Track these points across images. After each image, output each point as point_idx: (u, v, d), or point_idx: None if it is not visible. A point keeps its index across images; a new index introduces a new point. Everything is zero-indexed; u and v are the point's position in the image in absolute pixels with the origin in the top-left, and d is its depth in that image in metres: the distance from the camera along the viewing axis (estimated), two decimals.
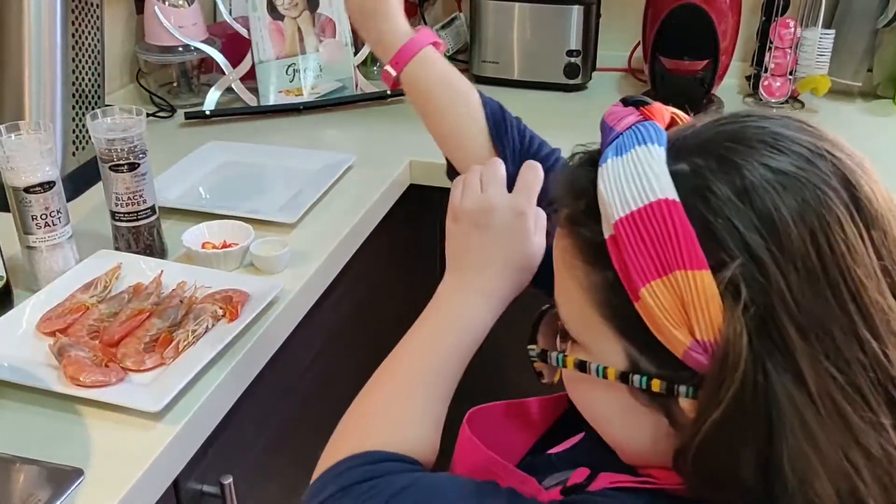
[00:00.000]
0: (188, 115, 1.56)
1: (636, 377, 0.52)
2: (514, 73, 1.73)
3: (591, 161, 0.55)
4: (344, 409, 0.70)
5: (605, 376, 0.54)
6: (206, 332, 0.93)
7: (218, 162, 1.38)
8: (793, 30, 1.63)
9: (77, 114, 1.31)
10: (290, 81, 1.61)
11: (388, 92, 1.64)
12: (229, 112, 1.58)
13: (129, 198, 1.05)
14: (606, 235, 0.51)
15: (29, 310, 0.97)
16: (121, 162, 1.03)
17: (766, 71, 1.68)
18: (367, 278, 1.34)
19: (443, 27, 1.86)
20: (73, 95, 1.30)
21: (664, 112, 0.57)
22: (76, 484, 0.75)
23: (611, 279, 0.51)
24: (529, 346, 0.62)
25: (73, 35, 1.28)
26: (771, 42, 1.65)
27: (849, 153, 0.52)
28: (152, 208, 1.08)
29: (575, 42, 1.68)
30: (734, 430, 0.48)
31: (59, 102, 1.27)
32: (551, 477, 0.62)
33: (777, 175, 0.49)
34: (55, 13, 1.24)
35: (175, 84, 1.68)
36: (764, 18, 1.69)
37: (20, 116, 1.25)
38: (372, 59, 1.76)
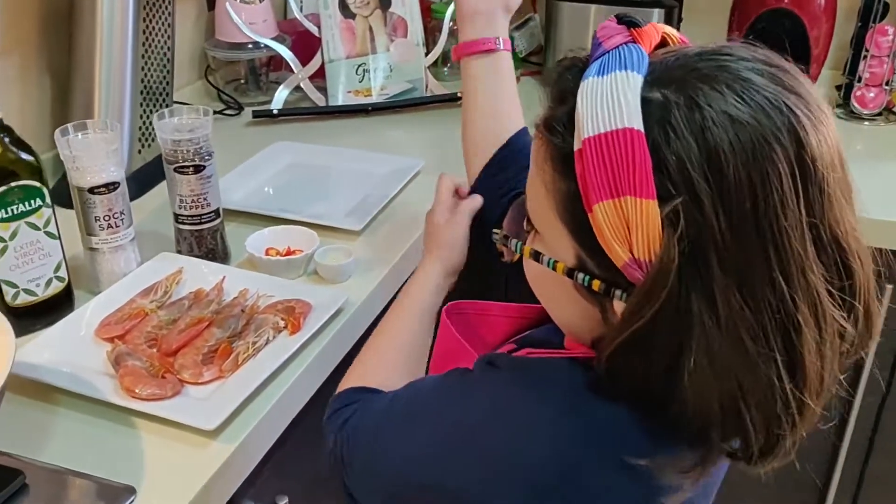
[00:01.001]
0: (255, 114, 1.53)
1: (580, 275, 0.59)
2: None
3: (580, 69, 0.58)
4: None
5: (554, 269, 0.61)
6: (266, 344, 0.90)
7: (284, 163, 1.35)
8: (891, 37, 1.53)
9: (145, 111, 1.30)
10: (360, 81, 1.57)
11: (459, 94, 1.59)
12: (297, 112, 1.55)
13: (193, 200, 1.02)
14: (576, 148, 0.55)
15: (89, 314, 0.94)
16: (186, 164, 1.01)
17: (859, 80, 1.58)
18: None
19: (517, 28, 1.81)
20: (142, 93, 1.28)
21: (655, 34, 0.59)
22: (127, 503, 0.72)
23: (572, 189, 0.56)
24: (494, 230, 0.70)
25: (144, 32, 1.27)
26: (866, 50, 1.56)
27: (811, 110, 0.54)
28: (216, 211, 1.05)
29: None
30: (649, 339, 0.55)
31: (128, 99, 1.26)
32: None
33: (734, 124, 0.52)
34: (128, 11, 1.22)
35: (243, 81, 1.66)
36: (860, 24, 1.59)
37: (89, 113, 1.24)
38: (442, 60, 1.71)
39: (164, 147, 1.01)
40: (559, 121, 0.58)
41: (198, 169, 1.01)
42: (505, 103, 0.98)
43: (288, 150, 1.38)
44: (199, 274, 1.02)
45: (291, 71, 1.60)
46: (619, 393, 0.59)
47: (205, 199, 1.03)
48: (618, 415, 0.59)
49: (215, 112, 1.55)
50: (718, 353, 0.53)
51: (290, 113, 1.55)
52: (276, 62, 1.67)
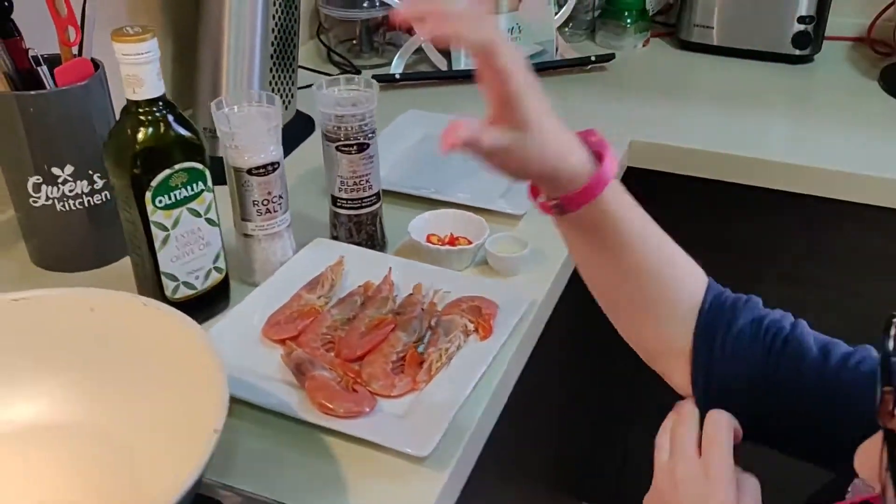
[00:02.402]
0: (376, 78, 1.41)
1: None
2: (728, 41, 1.53)
3: None
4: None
5: None
6: (457, 350, 0.80)
7: (419, 135, 1.24)
8: None
9: (274, 77, 1.19)
10: None
11: (593, 58, 1.47)
12: (419, 76, 1.44)
13: (354, 182, 0.92)
14: None
15: (251, 310, 0.85)
16: (349, 141, 0.90)
17: None
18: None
19: None
20: (271, 56, 1.17)
21: None
22: None
23: None
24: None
25: None
26: None
27: None
28: (378, 195, 0.95)
29: (807, 7, 1.46)
30: None
31: (258, 65, 1.15)
32: None
33: None
34: None
35: (355, 42, 1.54)
36: None
37: (217, 81, 1.13)
38: (567, 20, 1.58)
39: (325, 123, 0.90)
40: None
41: (361, 147, 0.90)
42: (661, 234, 0.67)
43: (420, 120, 1.27)
44: (361, 264, 0.92)
45: (408, 32, 1.48)
46: None
47: (367, 180, 0.92)
48: None
49: (330, 76, 1.44)
50: None
51: (412, 77, 1.43)
52: (391, 21, 1.55)
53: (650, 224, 0.65)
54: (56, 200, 0.91)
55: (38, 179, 0.89)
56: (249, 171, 0.86)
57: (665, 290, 0.65)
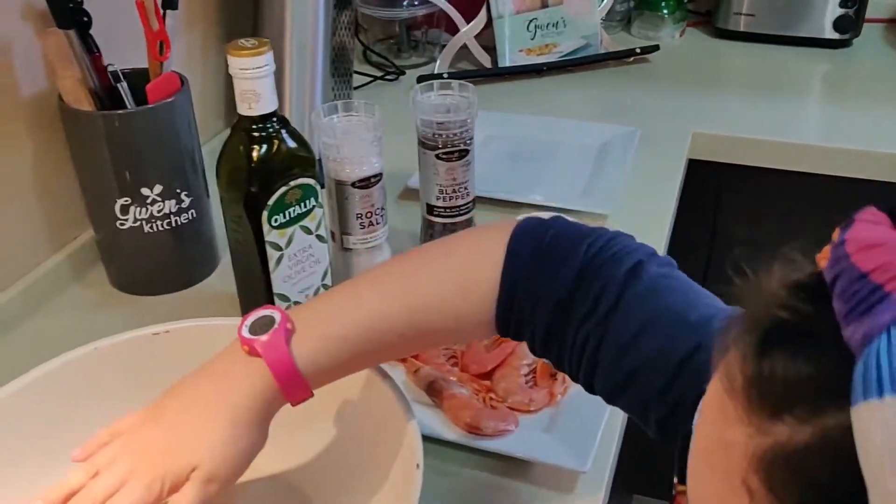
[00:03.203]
0: (421, 79, 1.39)
1: None
2: (768, 27, 1.52)
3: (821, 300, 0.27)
4: None
5: None
6: None
7: (480, 136, 1.21)
8: None
9: (336, 83, 1.16)
10: (531, 39, 1.42)
11: (638, 50, 1.45)
12: (466, 74, 1.41)
13: (453, 190, 0.89)
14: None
15: None
16: (449, 149, 0.87)
17: None
18: None
19: None
20: (333, 61, 1.14)
21: None
22: None
23: None
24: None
25: None
26: None
27: None
28: (473, 202, 0.92)
29: None
30: None
31: (320, 71, 1.12)
32: None
33: None
34: None
35: (393, 41, 1.51)
36: None
37: (280, 88, 1.09)
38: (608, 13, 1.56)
39: (424, 129, 0.87)
40: (792, 391, 0.27)
41: (462, 154, 0.88)
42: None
43: (481, 119, 1.24)
44: None
45: (447, 31, 1.45)
46: None
47: (465, 188, 0.90)
48: None
49: (374, 78, 1.41)
50: None
51: (459, 76, 1.40)
52: (430, 19, 1.52)
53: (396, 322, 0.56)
54: (144, 222, 0.87)
55: (126, 201, 0.86)
56: (353, 184, 0.83)
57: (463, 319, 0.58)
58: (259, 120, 0.73)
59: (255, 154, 0.73)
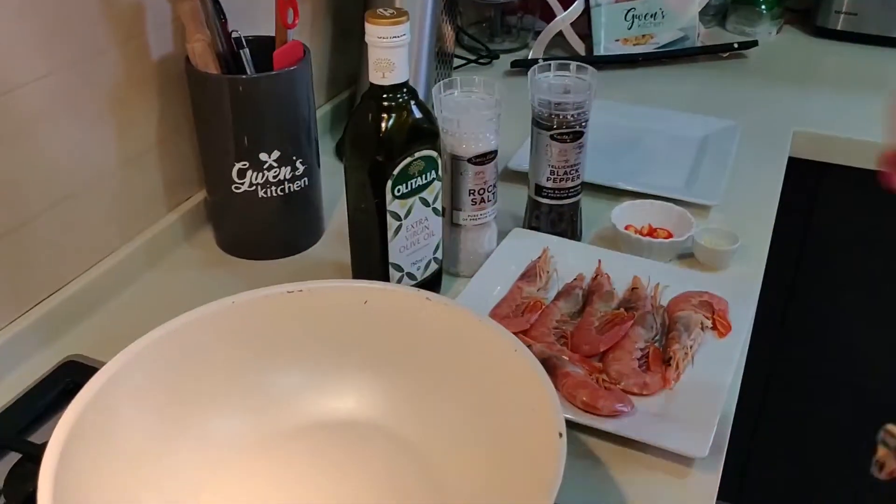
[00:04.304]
0: (514, 64, 1.39)
1: None
2: (871, 28, 1.48)
3: None
4: None
5: None
6: (698, 347, 0.78)
7: None
8: None
9: (439, 63, 1.16)
10: (629, 29, 1.41)
11: (736, 45, 1.43)
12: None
13: (565, 172, 0.89)
14: None
15: (472, 302, 0.83)
16: (564, 130, 0.87)
17: None
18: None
19: None
20: (438, 39, 1.14)
21: None
22: None
23: None
24: None
25: None
26: None
27: None
28: (582, 185, 0.92)
29: None
30: None
31: (426, 50, 1.12)
32: None
33: None
34: None
35: (485, 25, 1.51)
36: None
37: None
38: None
39: (539, 108, 0.87)
40: None
41: (576, 136, 0.88)
42: None
43: None
44: (562, 254, 0.90)
45: (542, 17, 1.45)
46: None
47: (576, 170, 0.90)
48: None
49: (468, 61, 1.41)
50: None
51: None
52: (527, 5, 1.52)
53: None
54: (259, 187, 0.89)
55: (244, 165, 0.87)
56: (469, 160, 0.84)
57: None
58: (390, 90, 0.74)
59: (383, 123, 0.74)
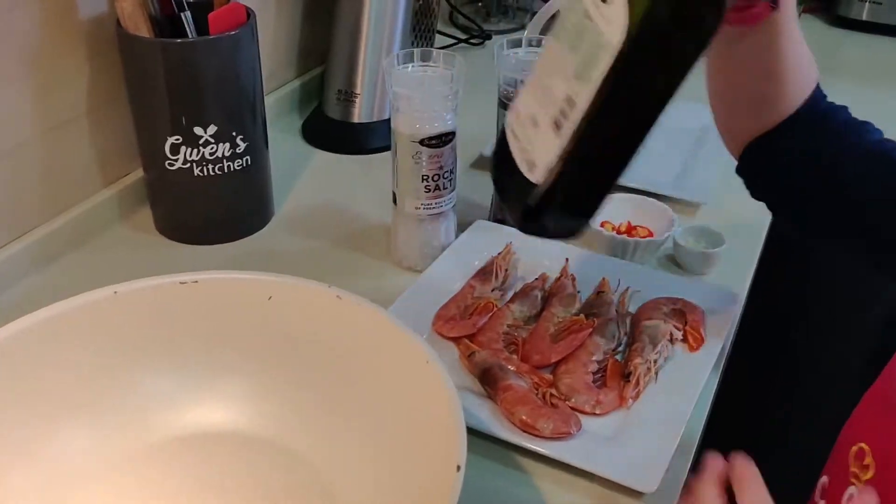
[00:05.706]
0: (511, 44, 1.29)
1: None
2: (893, 17, 1.38)
3: None
4: None
5: None
6: (664, 362, 0.69)
7: None
8: None
9: (415, 38, 1.08)
10: None
11: None
12: None
13: None
14: None
15: (418, 300, 0.74)
16: None
17: None
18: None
19: None
20: (415, 15, 1.06)
21: None
22: None
23: None
24: None
25: None
26: None
27: None
28: None
29: None
30: None
31: (400, 25, 1.04)
32: None
33: None
34: None
35: (481, 4, 1.42)
36: None
37: (355, 38, 1.02)
38: None
39: (504, 86, 0.79)
40: None
41: None
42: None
43: None
44: (528, 251, 0.81)
45: None
46: None
47: None
48: None
49: (459, 40, 1.33)
50: None
51: None
52: None
53: (801, 43, 0.64)
54: (194, 164, 0.81)
55: (177, 140, 0.79)
56: (422, 142, 0.75)
57: (783, 96, 0.65)
58: None
59: None
